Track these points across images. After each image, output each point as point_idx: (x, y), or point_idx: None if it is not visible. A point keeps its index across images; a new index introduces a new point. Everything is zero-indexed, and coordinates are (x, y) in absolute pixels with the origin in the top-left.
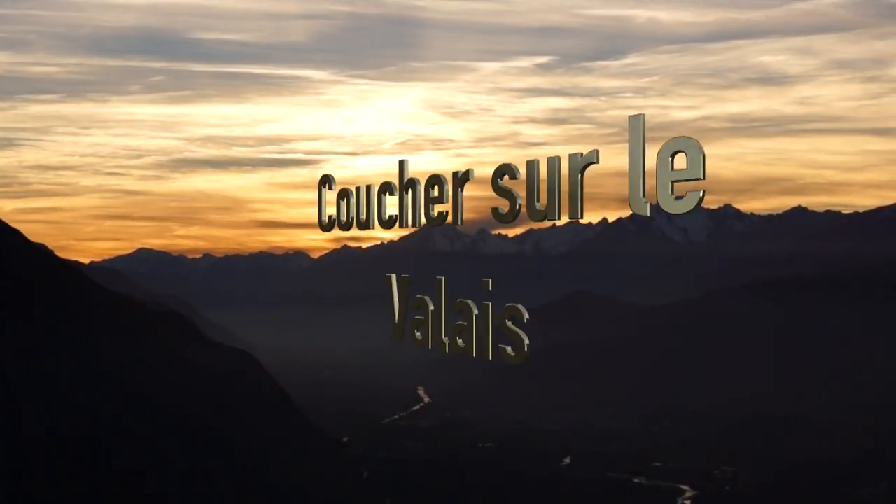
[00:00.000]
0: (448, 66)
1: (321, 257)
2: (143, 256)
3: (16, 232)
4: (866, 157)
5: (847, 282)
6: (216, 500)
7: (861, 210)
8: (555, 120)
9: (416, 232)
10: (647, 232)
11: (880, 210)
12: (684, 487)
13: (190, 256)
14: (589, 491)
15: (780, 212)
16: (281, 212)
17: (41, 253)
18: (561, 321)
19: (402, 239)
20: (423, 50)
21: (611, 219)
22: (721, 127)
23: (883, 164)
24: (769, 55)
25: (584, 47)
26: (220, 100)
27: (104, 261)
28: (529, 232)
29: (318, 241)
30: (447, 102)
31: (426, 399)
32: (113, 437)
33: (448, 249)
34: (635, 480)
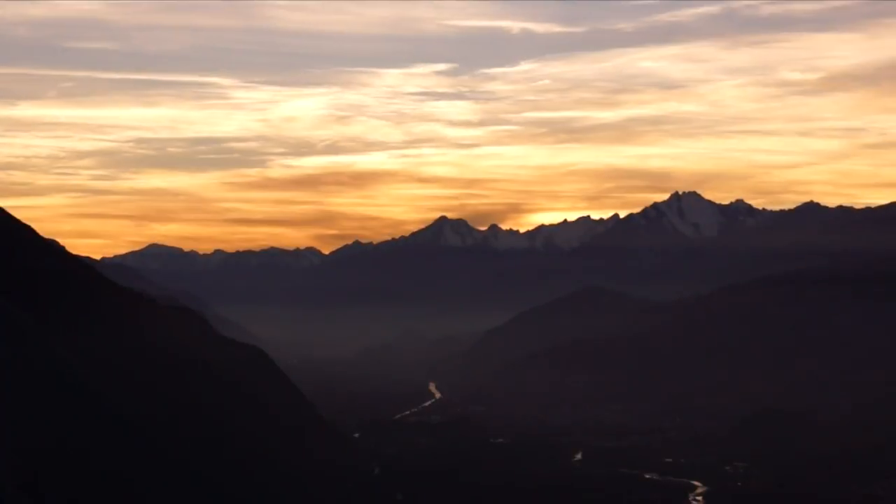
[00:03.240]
0: (347, 72)
1: (332, 253)
2: (155, 252)
3: (27, 227)
4: (797, 157)
5: (858, 278)
6: (226, 492)
7: (873, 206)
8: (474, 122)
9: (427, 227)
10: (658, 227)
11: (891, 206)
12: (696, 483)
13: (202, 252)
14: (600, 486)
15: (791, 207)
16: (251, 210)
17: (54, 248)
18: (572, 317)
19: (413, 234)
20: (314, 59)
21: (622, 214)
22: (644, 129)
23: (821, 162)
24: (651, 62)
25: (476, 55)
26: (131, 104)
27: (116, 256)
28: (541, 227)
29: (299, 239)
30: (360, 106)
31: (437, 395)
32: (124, 431)
33: (459, 245)
34: (647, 476)
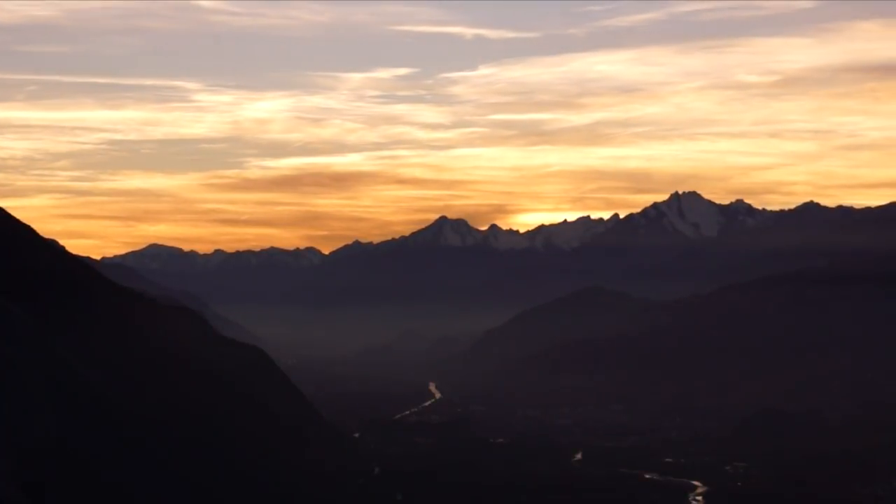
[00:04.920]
0: (308, 75)
1: (332, 253)
2: (155, 252)
3: (27, 228)
4: (773, 158)
5: (859, 278)
6: (226, 492)
7: (874, 206)
8: (445, 125)
9: (427, 227)
10: (658, 227)
11: (891, 206)
12: (696, 483)
13: (202, 252)
14: (600, 486)
15: (791, 207)
16: (238, 211)
17: (54, 248)
18: (572, 317)
19: (414, 234)
20: (272, 62)
21: (622, 214)
22: (614, 132)
23: (797, 164)
24: (607, 66)
25: (434, 60)
26: (97, 106)
27: (116, 256)
28: (541, 227)
29: (290, 239)
30: (327, 109)
31: (437, 395)
32: (124, 431)
33: (459, 245)
34: (647, 476)
